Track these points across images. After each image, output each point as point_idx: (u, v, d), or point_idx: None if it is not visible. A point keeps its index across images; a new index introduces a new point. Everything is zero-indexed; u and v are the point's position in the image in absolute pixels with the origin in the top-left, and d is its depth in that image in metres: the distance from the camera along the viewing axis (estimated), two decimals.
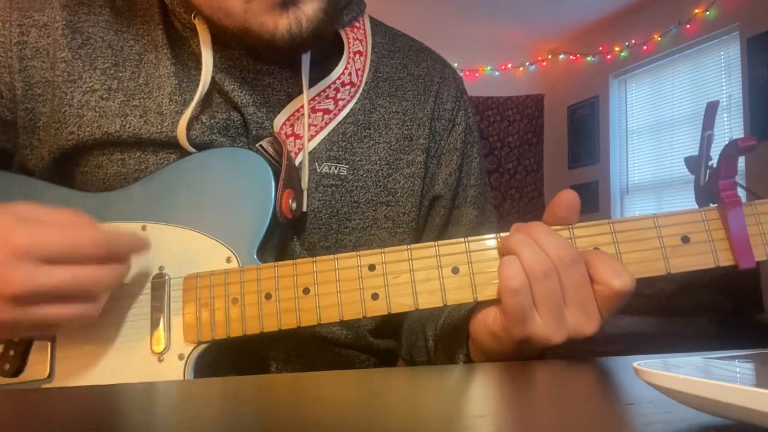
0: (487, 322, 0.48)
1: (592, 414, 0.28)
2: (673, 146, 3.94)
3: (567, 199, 0.47)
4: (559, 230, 0.47)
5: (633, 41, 4.17)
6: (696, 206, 0.49)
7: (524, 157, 4.85)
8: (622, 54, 4.27)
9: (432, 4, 4.15)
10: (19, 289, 0.42)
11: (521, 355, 0.48)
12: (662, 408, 0.26)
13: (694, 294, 2.92)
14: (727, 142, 0.46)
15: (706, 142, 0.48)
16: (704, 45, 3.75)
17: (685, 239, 0.47)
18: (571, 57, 4.70)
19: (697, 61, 3.81)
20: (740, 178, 0.47)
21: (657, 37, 3.99)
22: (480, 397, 0.35)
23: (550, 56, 4.84)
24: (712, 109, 0.49)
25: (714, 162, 0.48)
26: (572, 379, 0.39)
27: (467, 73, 4.69)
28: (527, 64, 4.87)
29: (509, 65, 4.82)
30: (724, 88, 3.60)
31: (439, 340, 0.59)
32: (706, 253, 0.47)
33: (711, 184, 0.48)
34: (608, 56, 4.39)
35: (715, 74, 3.65)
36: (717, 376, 0.24)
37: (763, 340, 2.62)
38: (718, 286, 2.99)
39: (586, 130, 4.60)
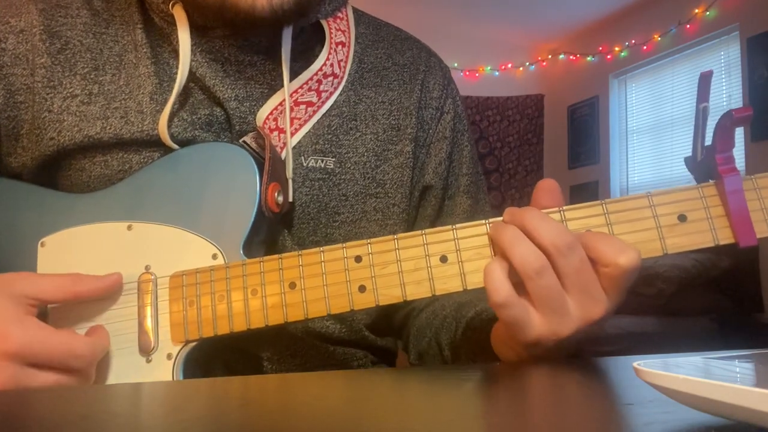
0: (498, 334, 0.47)
1: (591, 414, 0.28)
2: (673, 146, 3.93)
3: (547, 186, 0.46)
4: (550, 213, 0.45)
5: (633, 41, 4.17)
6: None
7: (524, 157, 4.85)
8: (622, 54, 4.27)
9: (432, 4, 4.14)
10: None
11: (540, 358, 0.46)
12: (662, 408, 0.26)
13: (694, 294, 2.92)
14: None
15: (701, 115, 0.46)
16: (704, 45, 3.75)
17: (682, 218, 0.44)
18: (571, 57, 4.70)
19: (697, 61, 3.81)
20: None
21: (657, 37, 3.99)
22: (478, 397, 0.35)
23: (550, 56, 4.84)
24: (705, 79, 0.46)
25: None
26: (572, 379, 0.39)
27: (467, 73, 4.69)
28: (527, 64, 4.87)
29: (509, 65, 4.82)
30: (724, 88, 3.60)
31: (460, 349, 0.58)
32: (705, 232, 0.44)
33: (707, 159, 0.45)
34: (608, 56, 4.39)
35: (715, 74, 3.65)
36: (717, 376, 0.24)
37: (763, 340, 2.62)
38: (718, 286, 2.99)
39: (586, 130, 4.60)
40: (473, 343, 0.56)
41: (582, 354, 0.50)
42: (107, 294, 0.51)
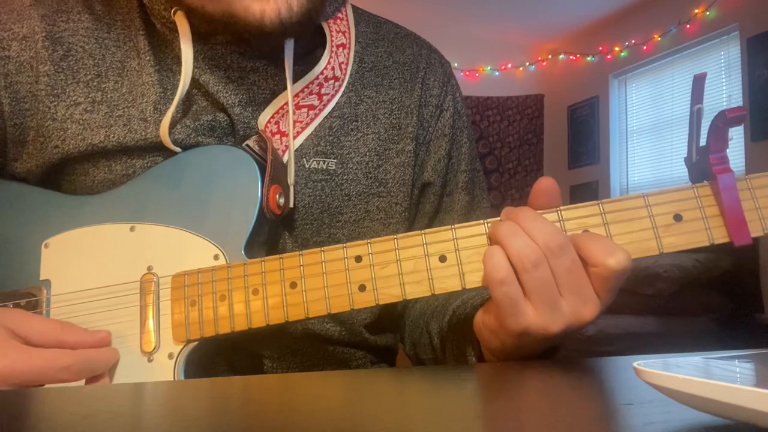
0: (485, 320, 0.47)
1: (592, 414, 0.28)
2: (673, 146, 3.94)
3: (545, 186, 0.46)
4: (547, 213, 0.45)
5: (633, 41, 4.17)
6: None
7: (524, 157, 4.85)
8: (622, 54, 4.27)
9: (432, 4, 4.14)
10: None
11: (525, 350, 0.46)
12: (662, 408, 0.26)
13: (694, 294, 2.92)
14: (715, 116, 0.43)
15: (695, 116, 0.46)
16: (704, 45, 3.75)
17: (678, 217, 0.45)
18: (571, 57, 4.70)
19: (697, 61, 3.81)
20: None
21: (657, 37, 3.99)
22: (478, 397, 0.35)
23: (550, 56, 4.84)
24: (699, 81, 0.46)
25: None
26: (572, 379, 0.39)
27: (467, 73, 4.69)
28: (527, 64, 4.87)
29: (509, 65, 4.82)
30: (724, 88, 3.60)
31: (447, 338, 0.58)
32: (700, 231, 0.44)
33: (702, 160, 0.45)
34: (608, 56, 4.39)
35: (715, 74, 3.65)
36: (717, 376, 0.24)
37: (763, 340, 2.62)
38: (718, 286, 2.99)
39: (586, 130, 4.60)
40: (457, 331, 0.56)
41: (561, 351, 0.51)
42: (93, 347, 0.51)
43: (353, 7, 0.70)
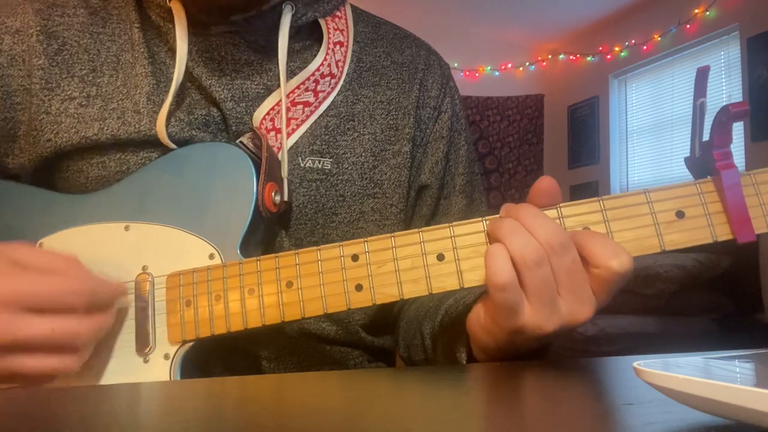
0: (479, 319, 0.46)
1: (591, 414, 0.28)
2: (673, 146, 3.94)
3: (545, 186, 0.45)
4: (546, 210, 0.45)
5: (633, 41, 4.17)
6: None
7: (524, 157, 4.85)
8: (622, 54, 4.27)
9: (432, 4, 4.14)
10: None
11: (517, 348, 0.46)
12: (662, 408, 0.26)
13: (695, 294, 2.92)
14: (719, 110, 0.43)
15: (698, 110, 0.45)
16: (704, 45, 3.75)
17: (680, 214, 0.44)
18: (571, 57, 4.70)
19: (697, 61, 3.81)
20: None
21: (657, 37, 3.99)
22: (477, 397, 0.35)
23: (550, 56, 4.84)
24: (703, 74, 0.45)
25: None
26: (572, 379, 0.39)
27: (467, 73, 4.69)
28: (527, 64, 4.87)
29: (509, 65, 4.82)
30: (724, 88, 3.60)
31: (438, 338, 0.58)
32: (703, 228, 0.43)
33: (705, 155, 0.44)
34: (608, 56, 4.39)
35: (715, 74, 3.65)
36: (717, 376, 0.24)
37: (763, 340, 2.62)
38: (718, 286, 2.98)
39: (586, 130, 4.60)
40: (448, 330, 0.55)
41: (552, 349, 0.50)
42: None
43: (353, 6, 0.70)
